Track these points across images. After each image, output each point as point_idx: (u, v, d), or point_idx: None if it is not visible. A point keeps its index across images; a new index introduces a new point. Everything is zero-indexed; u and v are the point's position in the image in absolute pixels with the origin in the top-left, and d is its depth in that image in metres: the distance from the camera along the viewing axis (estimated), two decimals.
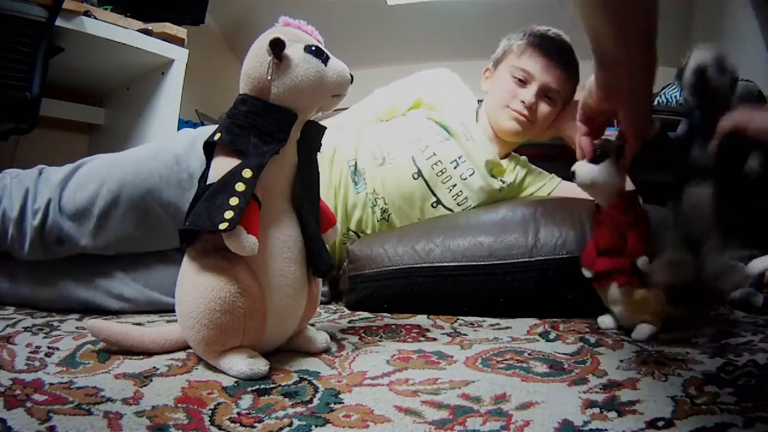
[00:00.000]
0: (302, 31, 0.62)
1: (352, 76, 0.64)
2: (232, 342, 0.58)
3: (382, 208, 1.14)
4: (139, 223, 0.90)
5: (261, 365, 0.57)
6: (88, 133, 2.75)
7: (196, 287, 0.57)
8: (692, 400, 0.51)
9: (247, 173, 0.56)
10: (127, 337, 0.63)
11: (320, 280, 0.68)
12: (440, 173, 1.16)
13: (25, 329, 0.74)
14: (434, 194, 1.16)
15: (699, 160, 0.67)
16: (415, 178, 1.15)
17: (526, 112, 1.18)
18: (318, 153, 0.66)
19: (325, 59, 0.61)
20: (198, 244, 0.59)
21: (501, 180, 1.21)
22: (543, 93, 1.18)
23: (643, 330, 0.76)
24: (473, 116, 1.25)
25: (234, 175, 0.56)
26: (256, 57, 0.60)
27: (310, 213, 0.64)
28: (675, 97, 1.64)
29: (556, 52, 1.18)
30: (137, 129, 2.44)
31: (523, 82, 1.19)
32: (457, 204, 1.17)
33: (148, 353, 0.64)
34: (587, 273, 0.83)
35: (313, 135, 0.64)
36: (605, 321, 0.84)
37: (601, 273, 0.80)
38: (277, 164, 0.60)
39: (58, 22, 1.72)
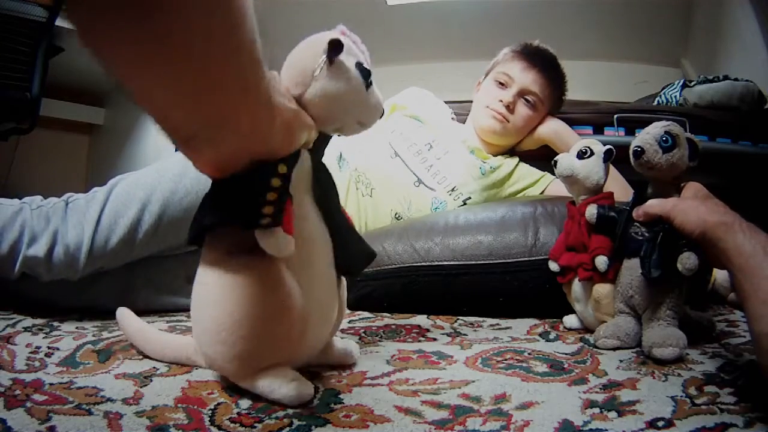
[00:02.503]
0: (357, 48, 0.58)
1: (383, 112, 0.60)
2: (275, 356, 0.51)
3: (365, 184, 1.18)
4: (182, 236, 0.89)
5: (308, 388, 0.50)
6: (88, 133, 2.75)
7: (226, 294, 0.49)
8: (692, 400, 0.51)
9: (282, 168, 0.49)
10: (144, 332, 0.64)
11: (345, 283, 0.62)
12: (416, 154, 1.23)
13: (25, 329, 0.74)
14: (414, 173, 1.21)
15: (634, 235, 0.71)
16: (392, 158, 1.22)
17: (503, 110, 1.23)
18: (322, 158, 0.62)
19: (369, 84, 0.56)
20: (216, 245, 0.52)
21: (483, 161, 1.25)
22: (522, 95, 1.24)
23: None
24: (447, 116, 1.36)
25: (267, 168, 0.48)
26: (307, 51, 0.54)
27: (335, 210, 0.60)
28: (675, 97, 1.64)
29: (537, 57, 1.25)
30: (137, 129, 2.44)
31: (504, 86, 1.26)
32: (438, 183, 1.21)
33: (155, 356, 0.62)
34: (554, 266, 0.83)
35: (321, 142, 0.60)
36: (571, 320, 0.84)
37: (566, 267, 0.81)
38: (300, 160, 0.54)
39: (58, 22, 1.72)
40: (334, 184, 0.61)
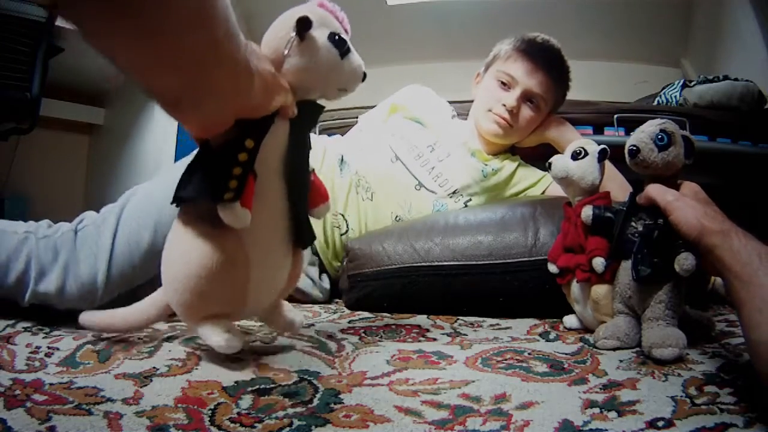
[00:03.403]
0: (333, 17, 0.61)
1: (365, 74, 0.63)
2: (212, 309, 0.59)
3: (365, 188, 1.17)
4: None
5: (236, 341, 0.58)
6: (88, 133, 2.75)
7: (184, 252, 0.58)
8: (692, 400, 0.51)
9: (249, 143, 0.54)
10: (112, 322, 0.68)
11: (304, 256, 0.69)
12: (417, 157, 1.21)
13: (25, 329, 0.74)
14: (415, 177, 1.20)
15: (631, 236, 0.71)
16: (393, 162, 1.21)
17: (507, 116, 1.20)
18: (312, 130, 0.66)
19: (345, 52, 0.60)
20: (191, 209, 0.59)
21: (484, 163, 1.24)
22: (526, 97, 1.20)
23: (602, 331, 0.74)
24: (447, 116, 1.33)
25: (236, 142, 0.54)
26: (280, 29, 0.59)
27: (300, 187, 0.63)
28: (675, 97, 1.64)
29: (541, 57, 1.20)
30: (137, 129, 2.44)
31: (506, 86, 1.21)
32: (439, 186, 1.20)
33: (133, 332, 0.69)
34: (552, 268, 0.83)
35: (309, 113, 0.63)
36: (571, 320, 0.84)
37: (564, 269, 0.81)
38: (273, 136, 0.58)
39: (58, 22, 1.72)
40: (307, 160, 0.65)
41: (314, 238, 0.67)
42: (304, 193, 0.65)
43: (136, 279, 0.81)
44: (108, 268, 0.79)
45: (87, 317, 0.69)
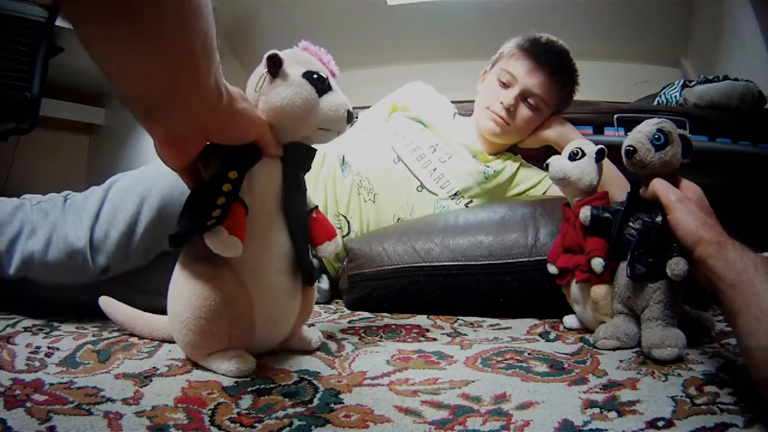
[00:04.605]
0: (316, 59, 0.61)
1: (350, 114, 0.61)
2: (217, 347, 0.59)
3: (367, 189, 1.17)
4: None
5: (247, 363, 0.58)
6: (88, 133, 2.75)
7: (184, 293, 0.58)
8: (692, 400, 0.51)
9: (232, 174, 0.55)
10: (134, 325, 0.72)
11: (315, 286, 0.69)
12: (420, 158, 1.21)
13: (25, 329, 0.74)
14: (417, 178, 1.19)
15: (629, 237, 0.71)
16: (395, 163, 1.20)
17: (503, 114, 1.19)
18: (305, 173, 0.65)
19: (322, 90, 0.59)
20: (190, 250, 0.60)
21: (486, 165, 1.23)
22: (524, 97, 1.19)
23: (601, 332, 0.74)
24: (449, 115, 1.33)
25: (220, 175, 0.55)
26: (258, 69, 0.60)
27: (299, 226, 0.64)
28: (675, 97, 1.64)
29: (544, 57, 1.18)
30: (137, 129, 2.43)
31: (506, 85, 1.20)
32: (441, 187, 1.19)
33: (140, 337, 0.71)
34: (552, 269, 0.83)
35: (300, 155, 0.63)
36: (571, 320, 0.84)
37: (563, 270, 0.81)
38: (266, 175, 0.60)
39: (58, 22, 1.72)
40: (304, 201, 0.65)
41: (315, 273, 0.67)
42: (303, 232, 0.65)
43: (120, 249, 0.80)
44: (92, 228, 0.79)
45: (109, 305, 0.73)
